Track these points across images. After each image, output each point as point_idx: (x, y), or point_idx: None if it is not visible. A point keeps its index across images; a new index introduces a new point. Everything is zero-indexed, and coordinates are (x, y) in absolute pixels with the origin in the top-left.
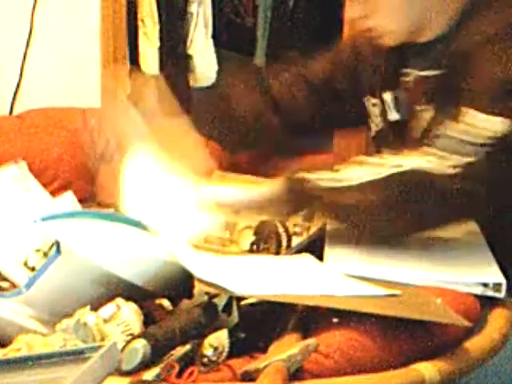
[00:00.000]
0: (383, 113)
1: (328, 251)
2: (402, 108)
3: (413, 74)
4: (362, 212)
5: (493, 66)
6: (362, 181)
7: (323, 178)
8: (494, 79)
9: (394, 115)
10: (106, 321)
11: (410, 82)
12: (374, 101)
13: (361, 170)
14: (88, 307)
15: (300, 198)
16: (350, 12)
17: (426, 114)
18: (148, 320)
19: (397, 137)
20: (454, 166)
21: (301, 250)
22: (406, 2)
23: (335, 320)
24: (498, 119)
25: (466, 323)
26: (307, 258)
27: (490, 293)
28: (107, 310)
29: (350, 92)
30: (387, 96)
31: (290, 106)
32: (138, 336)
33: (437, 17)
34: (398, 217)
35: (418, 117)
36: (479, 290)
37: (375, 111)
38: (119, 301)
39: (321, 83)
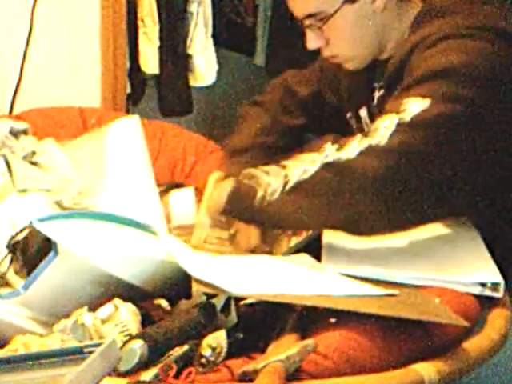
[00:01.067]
0: (360, 129)
1: (326, 251)
2: None
3: (382, 88)
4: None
5: (431, 59)
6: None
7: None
8: (428, 67)
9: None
10: (103, 321)
11: (380, 96)
12: (354, 117)
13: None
14: (85, 308)
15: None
16: (310, 43)
17: None
18: (146, 320)
19: None
20: (363, 149)
21: (299, 249)
22: (359, 28)
23: (333, 320)
24: (419, 100)
25: (466, 323)
26: (305, 258)
27: (488, 292)
28: (105, 310)
29: (336, 105)
30: (362, 112)
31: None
32: (136, 336)
33: (395, 33)
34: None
35: None
36: (477, 290)
37: (355, 127)
38: (117, 301)
39: (309, 95)
